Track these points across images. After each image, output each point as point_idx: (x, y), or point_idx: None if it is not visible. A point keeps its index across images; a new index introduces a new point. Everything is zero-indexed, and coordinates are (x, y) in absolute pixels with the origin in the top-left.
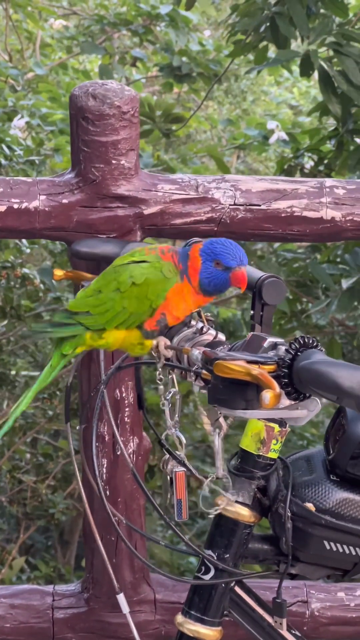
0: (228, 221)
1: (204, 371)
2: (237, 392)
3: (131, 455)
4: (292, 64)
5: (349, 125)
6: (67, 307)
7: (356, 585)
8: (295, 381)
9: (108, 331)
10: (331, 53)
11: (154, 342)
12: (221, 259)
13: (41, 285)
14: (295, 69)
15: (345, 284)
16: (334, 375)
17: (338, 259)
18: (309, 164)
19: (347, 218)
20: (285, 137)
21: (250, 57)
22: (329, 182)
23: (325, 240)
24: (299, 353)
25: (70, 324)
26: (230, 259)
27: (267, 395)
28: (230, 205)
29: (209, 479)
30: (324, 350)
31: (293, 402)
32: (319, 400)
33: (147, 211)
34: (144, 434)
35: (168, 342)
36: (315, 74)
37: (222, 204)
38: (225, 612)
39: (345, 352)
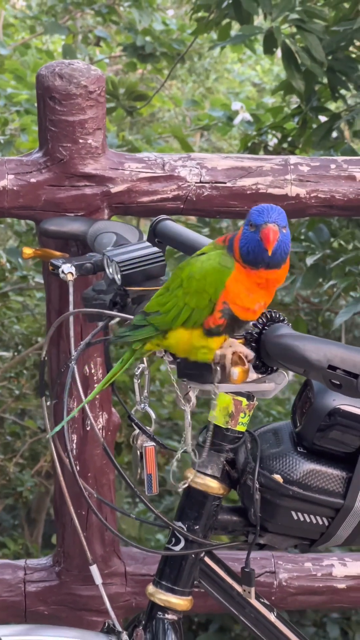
0: (194, 199)
1: (167, 349)
2: (206, 367)
3: (101, 431)
4: (254, 43)
5: (313, 102)
6: (144, 309)
7: (323, 556)
8: (263, 355)
9: (172, 331)
10: (294, 30)
11: (218, 352)
12: (251, 218)
13: (7, 265)
14: (258, 47)
15: (309, 260)
16: (301, 348)
17: (302, 237)
18: (273, 141)
19: (312, 195)
20: (250, 118)
21: (214, 35)
22: (293, 159)
23: (290, 217)
24: (266, 327)
25: (144, 325)
26: (257, 216)
27: (235, 371)
28: (196, 183)
29: (179, 452)
30: (290, 324)
31: (261, 376)
32: (286, 373)
33: (115, 189)
34: (113, 409)
35: (239, 349)
36: (278, 52)
37: (188, 182)
38: (195, 582)
39: (310, 329)
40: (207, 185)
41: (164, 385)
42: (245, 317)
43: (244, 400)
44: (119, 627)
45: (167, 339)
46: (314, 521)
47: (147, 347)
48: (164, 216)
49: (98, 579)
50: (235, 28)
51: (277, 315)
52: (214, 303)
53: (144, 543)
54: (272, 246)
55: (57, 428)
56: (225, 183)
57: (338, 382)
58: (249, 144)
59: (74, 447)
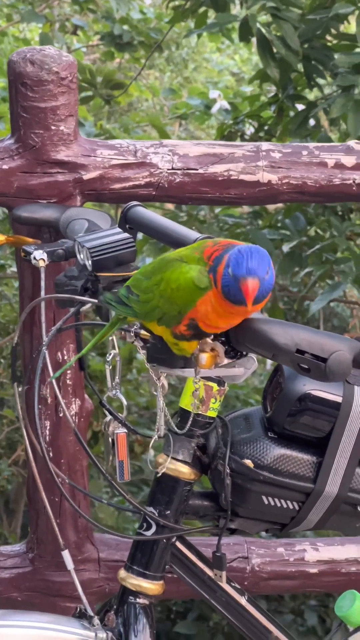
0: (166, 185)
1: (142, 331)
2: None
3: (73, 417)
4: (232, 32)
5: (289, 90)
6: (129, 282)
7: (295, 541)
8: (232, 340)
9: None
10: (270, 19)
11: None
12: (232, 265)
13: None
14: (236, 36)
15: (285, 248)
16: (268, 332)
17: (279, 224)
18: (250, 130)
19: (284, 181)
20: (228, 106)
21: (192, 25)
22: (265, 145)
23: (262, 203)
24: None
25: (127, 304)
26: (238, 267)
27: (203, 356)
28: (168, 169)
29: (153, 439)
30: (263, 312)
31: (230, 361)
32: (255, 358)
33: (87, 176)
34: (86, 395)
35: (214, 347)
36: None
37: (160, 169)
38: (166, 567)
39: (289, 318)
40: (179, 171)
41: (141, 374)
42: (211, 332)
43: (215, 386)
44: (90, 612)
45: (146, 322)
46: (285, 505)
47: (129, 319)
48: (135, 202)
49: (70, 564)
50: (212, 16)
51: None
52: (182, 316)
53: (122, 532)
54: (251, 299)
55: (57, 374)
56: (197, 170)
57: (306, 367)
58: (225, 133)
59: (47, 433)
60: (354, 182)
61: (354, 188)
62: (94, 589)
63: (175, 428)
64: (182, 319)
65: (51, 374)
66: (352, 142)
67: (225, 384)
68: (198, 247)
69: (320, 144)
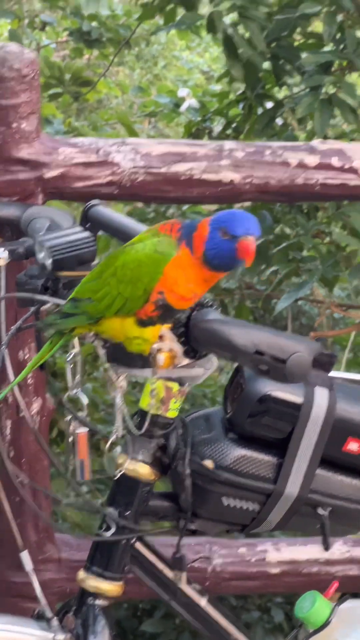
0: (128, 184)
1: (100, 333)
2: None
3: (34, 416)
4: (201, 30)
5: (258, 89)
6: (72, 295)
7: (257, 541)
8: (192, 340)
9: (105, 319)
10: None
11: (155, 346)
12: (227, 226)
13: None
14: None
15: None
16: (227, 333)
17: None
18: (218, 127)
19: (246, 180)
20: (196, 104)
21: (161, 22)
22: (228, 144)
23: (225, 202)
24: (194, 312)
25: (76, 313)
26: (237, 227)
27: (161, 357)
28: (130, 168)
29: (111, 439)
30: (219, 309)
31: (190, 361)
32: (216, 358)
33: (49, 174)
34: (47, 395)
35: (172, 347)
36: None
37: (123, 167)
38: (126, 568)
39: (258, 317)
40: (141, 170)
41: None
42: (180, 306)
43: (175, 386)
44: (49, 613)
45: (100, 326)
46: (245, 507)
47: (76, 332)
48: (96, 201)
49: (29, 565)
50: (182, 13)
51: (205, 300)
52: (148, 293)
53: (89, 529)
54: (251, 259)
55: (15, 382)
56: (159, 168)
57: (266, 368)
58: (193, 130)
59: (8, 432)
60: (316, 182)
61: (316, 188)
62: (55, 589)
63: (134, 428)
64: (150, 296)
65: (11, 372)
66: (315, 142)
67: (186, 385)
68: (149, 229)
69: (283, 143)
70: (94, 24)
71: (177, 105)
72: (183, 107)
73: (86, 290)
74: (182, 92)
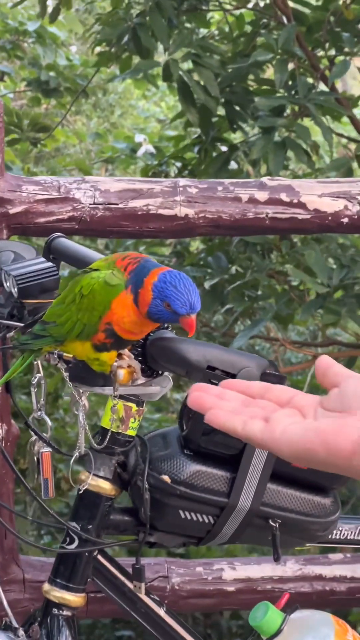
0: (88, 219)
1: (65, 353)
2: (95, 371)
3: (0, 442)
4: (157, 78)
5: (212, 134)
6: (43, 318)
7: (213, 560)
8: (149, 359)
9: (68, 342)
10: (192, 65)
11: (114, 364)
12: (171, 303)
13: None
14: (160, 84)
15: (207, 284)
16: (181, 350)
17: (201, 262)
18: (174, 171)
19: (200, 215)
20: (153, 150)
21: (118, 72)
22: (182, 181)
23: (180, 236)
24: (150, 333)
25: (44, 335)
26: (180, 306)
27: (121, 372)
28: (90, 204)
29: (74, 456)
30: (174, 331)
31: (147, 379)
32: (170, 377)
33: (13, 210)
34: (12, 421)
35: (131, 364)
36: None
37: (83, 204)
38: (88, 580)
39: None
40: (100, 206)
41: None
42: (128, 338)
43: (134, 406)
44: (15, 624)
45: (65, 346)
46: (201, 519)
47: (45, 349)
48: (58, 234)
49: None
50: (137, 61)
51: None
52: (101, 320)
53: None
54: (193, 331)
55: None
56: (117, 204)
57: (217, 382)
58: (150, 174)
59: None
60: (266, 215)
61: (266, 222)
62: (19, 609)
63: (95, 444)
64: (100, 325)
65: None
66: (265, 179)
67: (144, 405)
68: (107, 258)
69: (234, 180)
70: (52, 73)
71: (134, 150)
72: (140, 152)
73: (52, 314)
74: (139, 137)
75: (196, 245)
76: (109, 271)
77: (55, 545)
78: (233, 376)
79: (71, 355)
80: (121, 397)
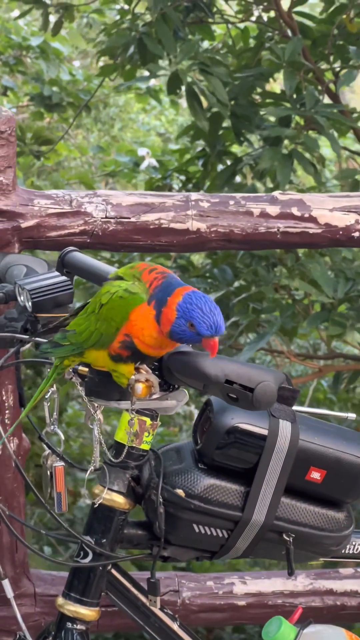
0: (100, 233)
1: (80, 367)
2: (111, 384)
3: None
4: (159, 93)
5: (218, 146)
6: (66, 327)
7: (224, 575)
8: (165, 372)
9: (88, 351)
10: (199, 76)
11: (133, 378)
12: (196, 324)
13: None
14: (164, 98)
15: (212, 296)
16: (200, 364)
17: (207, 274)
18: (177, 184)
19: (212, 229)
20: (156, 163)
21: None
22: (194, 195)
23: (192, 250)
24: None
25: (64, 344)
26: (205, 328)
27: (139, 386)
28: (102, 218)
29: (89, 470)
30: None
31: (163, 393)
32: (187, 390)
33: (25, 224)
34: (24, 435)
35: (149, 378)
36: (183, 102)
37: (95, 217)
38: (102, 594)
39: None
40: (112, 220)
41: None
42: (147, 353)
43: (148, 420)
44: (29, 638)
45: (85, 357)
46: (214, 533)
47: (65, 363)
48: (72, 248)
49: (10, 592)
50: (141, 72)
51: None
52: (119, 331)
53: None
54: (215, 352)
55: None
56: (129, 218)
57: (235, 396)
58: (154, 187)
59: None
60: (278, 230)
61: (278, 236)
62: (30, 623)
63: (111, 458)
64: (117, 335)
65: None
66: (276, 193)
67: (158, 419)
68: (133, 266)
69: (246, 195)
70: (55, 88)
71: (137, 164)
72: (143, 166)
73: (74, 322)
74: (142, 151)
75: (197, 258)
76: (130, 282)
77: (59, 557)
78: (250, 390)
79: (87, 370)
80: (136, 411)
